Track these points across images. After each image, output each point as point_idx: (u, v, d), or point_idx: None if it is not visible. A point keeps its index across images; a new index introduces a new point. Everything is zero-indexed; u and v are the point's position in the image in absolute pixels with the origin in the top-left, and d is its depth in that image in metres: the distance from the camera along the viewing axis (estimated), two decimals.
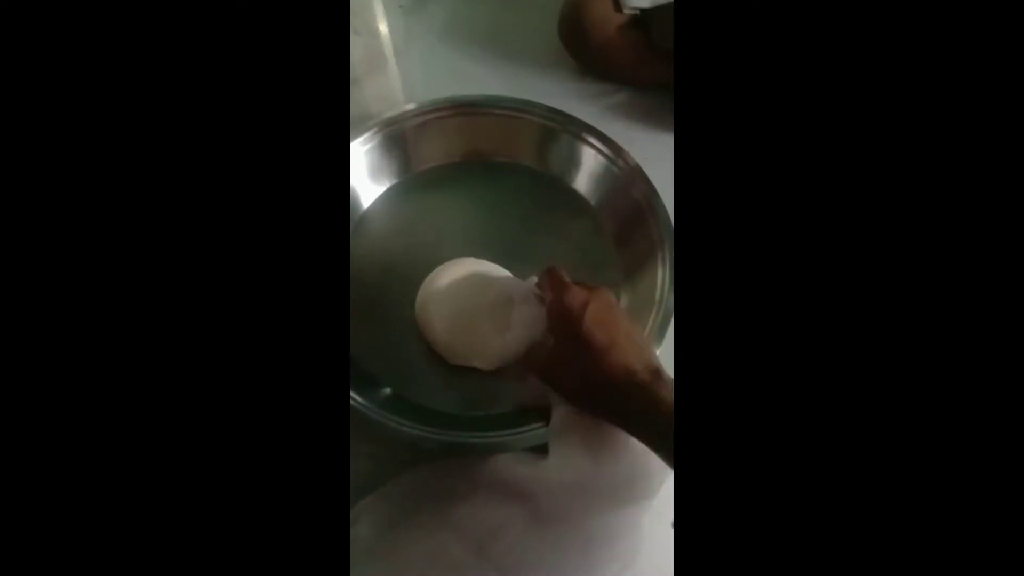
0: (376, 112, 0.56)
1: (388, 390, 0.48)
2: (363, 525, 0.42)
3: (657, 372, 0.36)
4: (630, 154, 0.54)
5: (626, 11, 0.61)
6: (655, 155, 0.53)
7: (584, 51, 0.64)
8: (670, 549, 0.24)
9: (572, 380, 0.39)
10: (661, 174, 0.52)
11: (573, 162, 0.57)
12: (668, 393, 0.34)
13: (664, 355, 0.44)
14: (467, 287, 0.50)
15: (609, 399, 0.37)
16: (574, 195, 0.56)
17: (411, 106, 0.56)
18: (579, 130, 0.55)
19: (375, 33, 0.55)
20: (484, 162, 0.58)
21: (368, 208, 0.56)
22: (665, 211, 0.51)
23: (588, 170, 0.56)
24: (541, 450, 0.41)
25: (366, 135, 0.55)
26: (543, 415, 0.42)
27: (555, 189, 0.57)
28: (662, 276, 0.50)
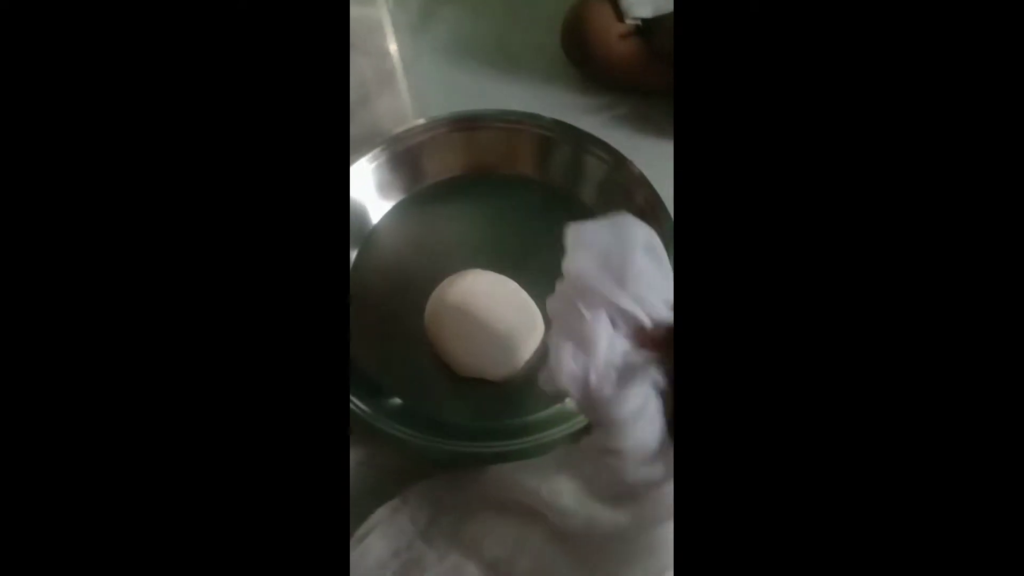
0: (388, 129, 0.57)
1: (398, 401, 0.49)
2: (374, 538, 0.42)
3: None
4: (633, 163, 0.54)
5: (628, 21, 0.61)
6: (658, 163, 0.53)
7: (587, 60, 0.65)
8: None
9: None
10: (664, 182, 0.52)
11: (577, 172, 0.57)
12: None
13: None
14: (484, 298, 0.50)
15: None
16: (579, 205, 0.57)
17: (416, 123, 0.57)
18: (582, 141, 0.56)
19: (385, 53, 0.56)
20: (490, 175, 0.59)
21: (377, 223, 0.57)
22: (669, 218, 0.51)
23: (592, 180, 0.57)
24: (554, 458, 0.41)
25: (374, 152, 0.56)
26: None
27: (560, 199, 0.57)
28: None
